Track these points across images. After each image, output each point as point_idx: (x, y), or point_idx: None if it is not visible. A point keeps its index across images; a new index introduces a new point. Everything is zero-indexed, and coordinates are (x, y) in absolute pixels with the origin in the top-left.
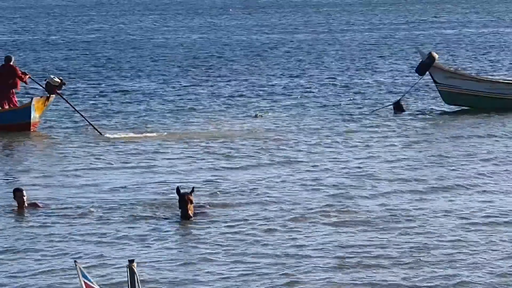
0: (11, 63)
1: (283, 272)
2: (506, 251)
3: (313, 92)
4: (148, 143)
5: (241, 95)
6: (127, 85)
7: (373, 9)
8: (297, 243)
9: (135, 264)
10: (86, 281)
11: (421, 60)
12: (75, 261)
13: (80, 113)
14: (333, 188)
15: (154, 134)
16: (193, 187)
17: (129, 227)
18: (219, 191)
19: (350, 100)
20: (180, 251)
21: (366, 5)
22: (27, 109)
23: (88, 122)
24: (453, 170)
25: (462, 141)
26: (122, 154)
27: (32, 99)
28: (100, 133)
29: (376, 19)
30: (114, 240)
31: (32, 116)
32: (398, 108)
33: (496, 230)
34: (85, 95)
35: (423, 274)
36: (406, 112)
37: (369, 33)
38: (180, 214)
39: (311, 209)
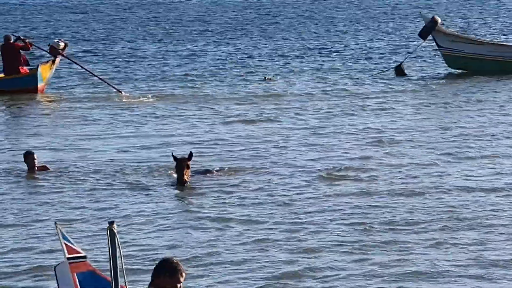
0: (11, 41)
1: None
2: None
3: (318, 56)
4: (159, 106)
5: (252, 58)
6: (137, 48)
7: None
8: (301, 210)
9: (115, 225)
10: (66, 242)
11: (424, 24)
12: (55, 223)
13: (92, 73)
14: (340, 151)
15: (155, 98)
16: (191, 152)
17: (128, 191)
18: (225, 156)
19: (354, 63)
20: (171, 216)
21: None
22: (34, 75)
23: (103, 80)
24: (459, 134)
25: (466, 104)
26: (131, 116)
27: (38, 65)
28: (119, 91)
29: None
30: (113, 204)
31: (39, 81)
32: (399, 72)
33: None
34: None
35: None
36: (408, 76)
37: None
38: (176, 179)
39: (316, 173)
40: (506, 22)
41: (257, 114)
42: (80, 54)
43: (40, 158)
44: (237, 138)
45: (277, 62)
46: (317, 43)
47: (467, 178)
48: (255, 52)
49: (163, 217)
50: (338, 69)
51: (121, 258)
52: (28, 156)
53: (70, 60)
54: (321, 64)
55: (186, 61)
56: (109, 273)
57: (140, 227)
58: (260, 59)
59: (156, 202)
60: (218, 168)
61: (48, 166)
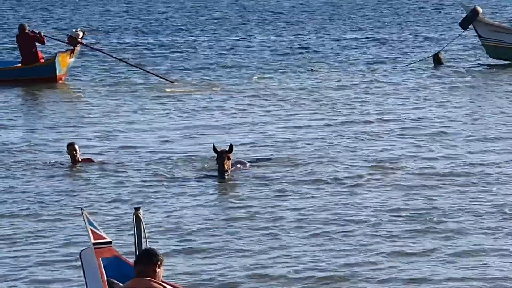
0: (26, 31)
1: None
2: None
3: (358, 47)
4: (196, 98)
5: (301, 49)
6: (173, 39)
7: None
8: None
9: (141, 211)
10: (92, 228)
11: (465, 14)
12: (81, 209)
13: (122, 60)
14: (380, 142)
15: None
16: (231, 145)
17: (167, 182)
18: (265, 149)
19: (394, 53)
20: (211, 208)
21: None
22: (52, 63)
23: (149, 71)
24: (499, 123)
25: (506, 94)
26: (174, 106)
27: (56, 54)
28: (171, 81)
29: None
30: (152, 195)
31: (58, 70)
32: (437, 60)
33: None
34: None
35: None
36: (447, 65)
37: None
38: (217, 171)
39: (359, 166)
40: None
41: (303, 107)
42: (128, 46)
43: (84, 150)
44: (285, 131)
45: (322, 53)
46: (359, 35)
47: None
48: (303, 43)
49: (201, 206)
50: (379, 60)
51: (147, 243)
52: (69, 146)
53: (92, 48)
54: (365, 55)
55: (226, 53)
56: (133, 259)
57: (177, 215)
58: (307, 50)
59: (195, 194)
60: (250, 160)
61: (92, 158)
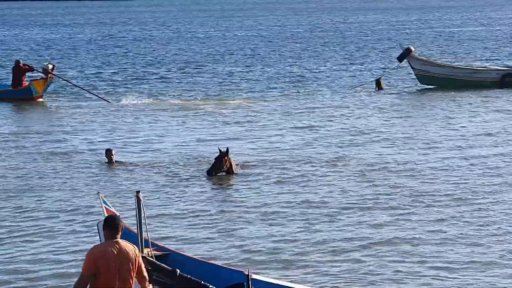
0: (20, 65)
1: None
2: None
3: (324, 73)
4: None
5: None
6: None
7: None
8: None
9: (140, 194)
10: (106, 206)
11: (401, 51)
12: (98, 192)
13: (79, 86)
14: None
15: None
16: (227, 148)
17: (177, 179)
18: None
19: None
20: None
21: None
22: (28, 88)
23: (90, 92)
24: (427, 131)
25: (433, 111)
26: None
27: (30, 81)
28: (108, 101)
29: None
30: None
31: (34, 93)
32: (379, 84)
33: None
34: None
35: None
36: (386, 89)
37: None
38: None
39: (316, 164)
40: (465, 47)
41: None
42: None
43: (117, 152)
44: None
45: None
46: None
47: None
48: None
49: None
50: (334, 83)
51: (145, 219)
52: (107, 152)
53: (60, 77)
54: (325, 82)
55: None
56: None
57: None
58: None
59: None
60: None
61: (124, 161)
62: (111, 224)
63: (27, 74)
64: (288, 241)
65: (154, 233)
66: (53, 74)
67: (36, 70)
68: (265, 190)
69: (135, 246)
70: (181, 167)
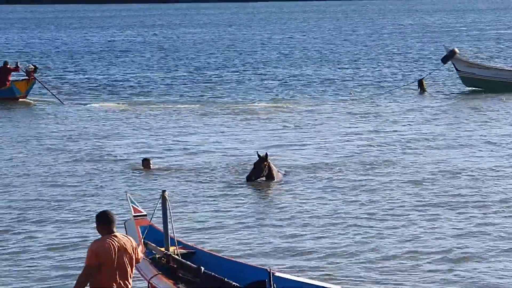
0: (8, 66)
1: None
2: None
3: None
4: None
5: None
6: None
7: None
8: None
9: (167, 193)
10: (133, 205)
11: (445, 52)
12: (125, 192)
13: (48, 89)
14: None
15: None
16: (266, 153)
17: (209, 183)
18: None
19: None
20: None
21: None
22: (10, 88)
23: (53, 94)
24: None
25: (477, 113)
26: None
27: (12, 82)
28: (62, 102)
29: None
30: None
31: (16, 93)
32: (421, 85)
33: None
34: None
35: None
36: (429, 91)
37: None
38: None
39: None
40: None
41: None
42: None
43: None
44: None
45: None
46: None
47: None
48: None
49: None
50: (373, 84)
51: (171, 217)
52: (144, 162)
53: (37, 80)
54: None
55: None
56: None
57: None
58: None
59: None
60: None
61: (162, 166)
62: (103, 219)
63: (19, 74)
64: (325, 248)
65: (187, 234)
66: (34, 77)
67: (23, 71)
68: (306, 197)
69: (132, 239)
70: (220, 172)
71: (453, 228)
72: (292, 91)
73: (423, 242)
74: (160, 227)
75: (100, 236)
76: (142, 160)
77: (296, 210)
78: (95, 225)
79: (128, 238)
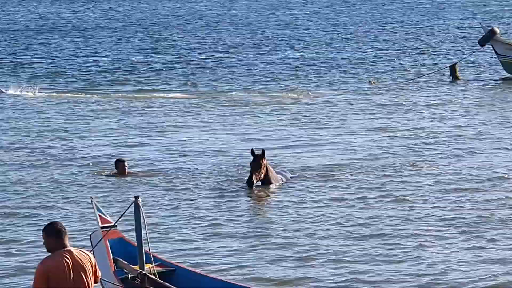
0: None
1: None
2: None
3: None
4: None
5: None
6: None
7: None
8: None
9: (140, 199)
10: (100, 214)
11: (483, 33)
12: (91, 198)
13: None
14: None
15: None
16: (263, 149)
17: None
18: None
19: (416, 63)
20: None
21: None
22: None
23: None
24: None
25: None
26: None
27: None
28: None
29: None
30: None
31: None
32: (453, 72)
33: None
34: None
35: None
36: (463, 78)
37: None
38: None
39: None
40: None
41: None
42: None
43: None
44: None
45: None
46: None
47: None
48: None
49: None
50: (401, 70)
51: (145, 228)
52: (118, 163)
53: None
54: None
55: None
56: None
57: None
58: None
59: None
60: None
61: (135, 171)
62: (51, 231)
63: None
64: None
65: (165, 248)
66: None
67: None
68: (311, 207)
69: (89, 254)
70: (210, 176)
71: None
72: (301, 79)
73: (465, 273)
74: (133, 240)
75: (49, 254)
76: (115, 162)
77: (297, 224)
78: (43, 240)
79: (85, 253)
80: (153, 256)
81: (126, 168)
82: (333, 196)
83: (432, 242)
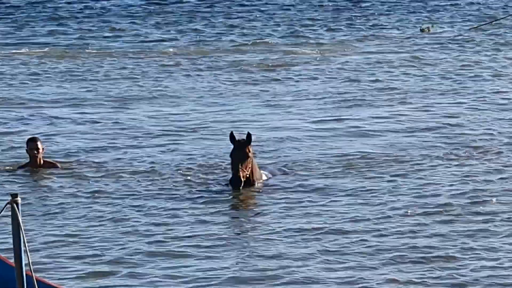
0: None
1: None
2: None
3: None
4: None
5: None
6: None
7: None
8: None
9: (19, 198)
10: None
11: None
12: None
13: None
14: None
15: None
16: (249, 133)
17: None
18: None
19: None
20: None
21: None
22: None
23: None
24: None
25: None
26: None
27: None
28: None
29: None
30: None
31: None
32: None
33: None
34: None
35: None
36: None
37: None
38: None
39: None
40: None
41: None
42: None
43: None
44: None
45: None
46: None
47: None
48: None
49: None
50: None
51: (25, 242)
52: (31, 143)
53: None
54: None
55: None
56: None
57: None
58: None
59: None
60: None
61: (56, 162)
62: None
63: None
64: None
65: (60, 270)
66: None
67: None
68: (301, 217)
69: None
70: (163, 168)
71: None
72: (314, 28)
73: None
74: (10, 258)
75: None
76: (28, 141)
77: (285, 235)
78: None
79: None
80: (36, 279)
81: (40, 152)
82: (341, 203)
83: None
